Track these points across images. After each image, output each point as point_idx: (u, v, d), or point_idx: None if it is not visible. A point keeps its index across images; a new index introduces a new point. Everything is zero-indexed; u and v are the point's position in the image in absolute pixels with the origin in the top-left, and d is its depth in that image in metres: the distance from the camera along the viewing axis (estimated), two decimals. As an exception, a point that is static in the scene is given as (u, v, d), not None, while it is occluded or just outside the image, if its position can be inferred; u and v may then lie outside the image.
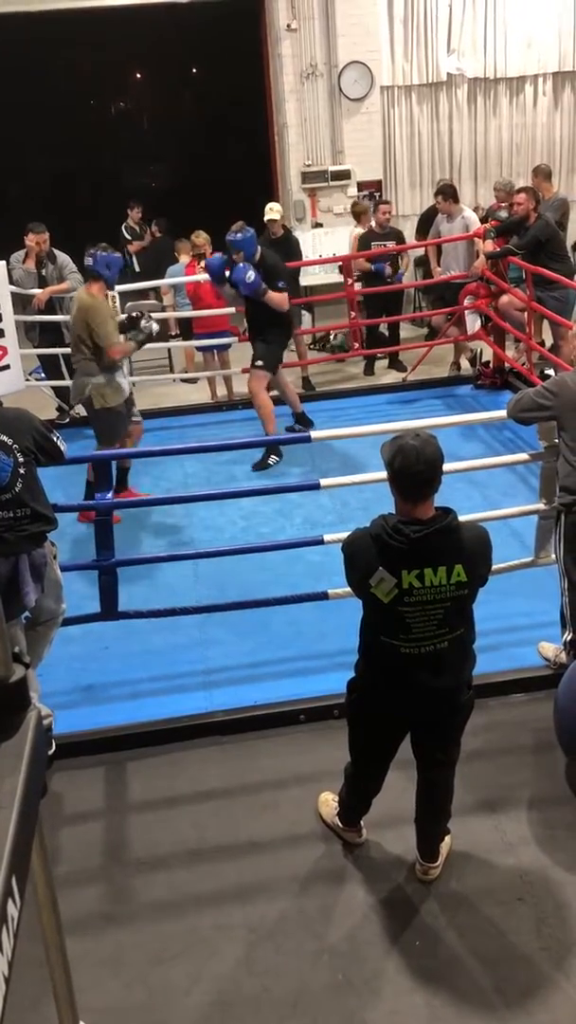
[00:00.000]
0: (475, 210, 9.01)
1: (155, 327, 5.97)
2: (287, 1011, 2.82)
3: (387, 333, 9.55)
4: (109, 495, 4.36)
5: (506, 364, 8.20)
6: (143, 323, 5.91)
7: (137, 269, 10.41)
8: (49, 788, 3.71)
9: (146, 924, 3.19)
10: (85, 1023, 1.70)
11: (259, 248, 6.75)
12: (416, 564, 2.73)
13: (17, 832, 1.26)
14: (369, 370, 9.25)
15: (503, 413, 4.28)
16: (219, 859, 3.44)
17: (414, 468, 2.72)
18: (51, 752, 3.79)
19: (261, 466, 6.75)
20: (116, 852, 3.55)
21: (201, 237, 8.42)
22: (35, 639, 3.94)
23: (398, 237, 9.11)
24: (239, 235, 6.63)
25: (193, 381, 9.20)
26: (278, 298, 6.71)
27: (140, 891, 3.35)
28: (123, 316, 6.16)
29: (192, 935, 3.11)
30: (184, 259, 9.32)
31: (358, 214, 9.44)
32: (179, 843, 3.52)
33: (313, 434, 4.59)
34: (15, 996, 1.16)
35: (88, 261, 5.88)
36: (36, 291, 7.65)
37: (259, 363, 6.92)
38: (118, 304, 6.44)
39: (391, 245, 8.97)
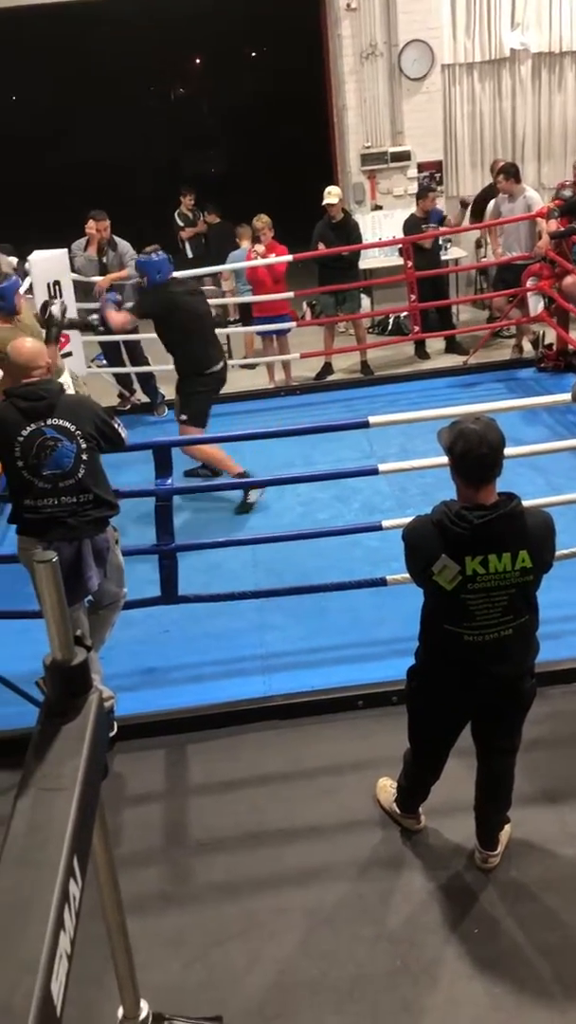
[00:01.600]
0: (539, 189, 8.82)
1: (56, 310, 5.46)
2: (344, 996, 2.83)
3: (437, 316, 9.40)
4: (169, 481, 4.38)
5: (570, 346, 8.03)
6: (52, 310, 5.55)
7: (189, 255, 10.45)
8: (111, 769, 3.76)
9: (205, 905, 3.22)
10: (146, 1000, 1.72)
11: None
12: (480, 550, 2.70)
13: (79, 813, 1.28)
14: (422, 353, 9.14)
15: (567, 396, 4.20)
16: (278, 843, 3.46)
17: (477, 452, 2.68)
18: (113, 734, 3.85)
19: (244, 508, 6.01)
20: (176, 833, 3.59)
21: (261, 220, 8.40)
22: (97, 622, 4.00)
23: (442, 222, 8.98)
24: (143, 258, 6.11)
25: (252, 366, 9.21)
26: (114, 318, 6.04)
27: (199, 872, 3.39)
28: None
29: (250, 917, 3.14)
30: (245, 244, 9.32)
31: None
32: (238, 826, 3.55)
33: (371, 419, 4.55)
34: (78, 972, 1.18)
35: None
36: (97, 279, 7.72)
37: (183, 418, 6.15)
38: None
39: (440, 229, 8.83)
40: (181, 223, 10.76)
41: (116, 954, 1.67)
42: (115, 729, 3.89)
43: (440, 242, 9.11)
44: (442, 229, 8.83)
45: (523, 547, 2.71)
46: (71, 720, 1.45)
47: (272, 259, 8.14)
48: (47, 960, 1.06)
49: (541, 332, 8.46)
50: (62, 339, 7.17)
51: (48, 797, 1.29)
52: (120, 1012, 1.71)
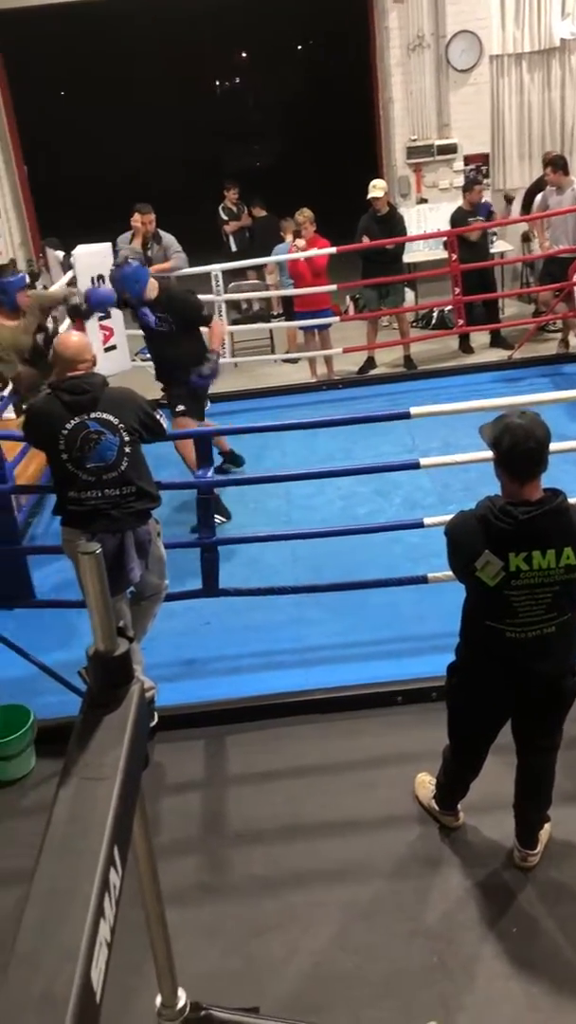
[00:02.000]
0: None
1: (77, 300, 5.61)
2: (380, 990, 2.83)
3: (484, 308, 9.30)
4: (210, 472, 4.40)
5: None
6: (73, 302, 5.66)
7: (233, 249, 10.43)
8: (151, 759, 3.80)
9: (243, 896, 3.24)
10: (184, 988, 1.74)
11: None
12: (524, 546, 2.67)
13: (119, 802, 1.29)
14: (466, 347, 9.06)
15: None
16: (315, 836, 3.47)
17: (524, 447, 2.65)
18: (153, 724, 3.88)
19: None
20: (214, 824, 3.62)
21: (303, 215, 8.38)
22: (139, 613, 4.03)
23: (490, 215, 8.88)
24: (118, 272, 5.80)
25: (294, 361, 9.20)
26: None
27: (237, 864, 3.41)
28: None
29: (288, 910, 3.15)
30: (289, 238, 9.31)
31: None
32: (276, 818, 3.57)
33: (413, 410, 4.51)
34: (118, 960, 1.20)
35: None
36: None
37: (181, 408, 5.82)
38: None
39: (482, 222, 8.74)
40: (225, 217, 10.73)
41: (155, 943, 1.69)
42: (156, 719, 3.92)
43: (488, 236, 9.01)
44: (488, 222, 8.73)
45: (568, 544, 2.67)
46: (113, 710, 1.46)
47: (312, 252, 8.11)
48: (87, 948, 1.08)
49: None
50: (105, 333, 7.27)
51: (90, 786, 1.31)
52: (158, 1000, 1.72)
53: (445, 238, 8.71)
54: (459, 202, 9.07)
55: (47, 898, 1.15)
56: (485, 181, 9.73)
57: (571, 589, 2.75)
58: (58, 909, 1.12)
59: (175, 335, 5.57)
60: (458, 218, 8.76)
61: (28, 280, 5.88)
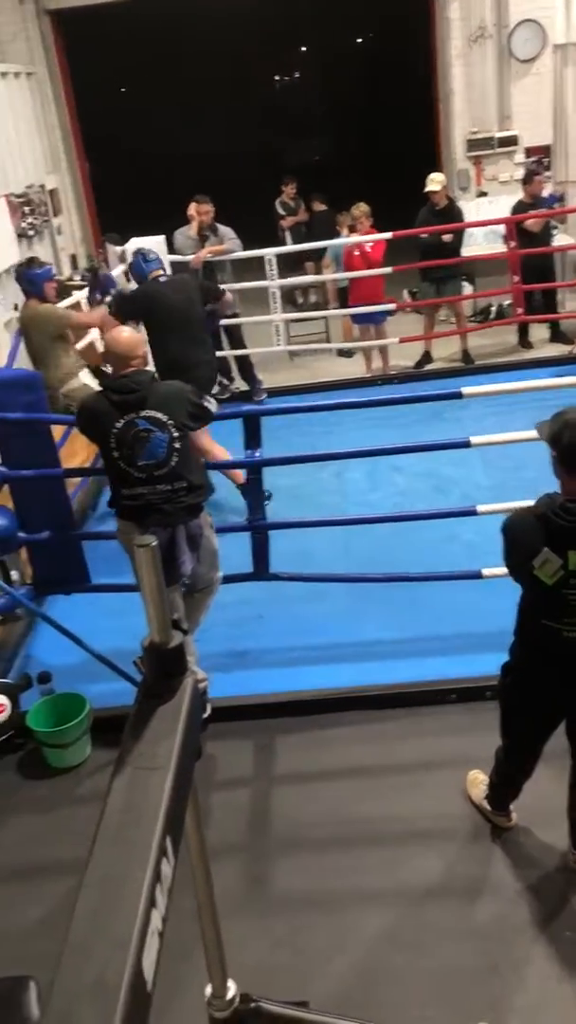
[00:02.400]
0: None
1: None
2: (430, 988, 2.82)
3: (542, 300, 9.14)
4: (259, 452, 4.39)
5: None
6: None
7: (289, 244, 10.41)
8: (203, 751, 3.83)
9: (293, 890, 3.25)
10: (233, 979, 1.75)
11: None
12: None
13: (173, 793, 1.30)
14: (525, 342, 8.92)
15: None
16: (366, 832, 3.46)
17: None
18: (206, 716, 3.91)
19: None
20: (265, 817, 3.63)
21: (359, 209, 8.33)
22: (192, 605, 4.06)
23: (558, 204, 8.73)
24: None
25: (349, 354, 9.17)
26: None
27: (287, 857, 3.42)
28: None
29: (337, 904, 3.15)
30: (345, 232, 9.27)
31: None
32: (327, 813, 3.56)
33: (465, 390, 4.43)
34: (168, 948, 1.20)
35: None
36: (192, 257, 7.79)
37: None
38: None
39: (542, 212, 8.59)
40: (282, 212, 10.74)
41: (205, 934, 1.70)
42: (209, 711, 3.95)
43: (549, 229, 8.85)
44: (542, 212, 8.56)
45: None
46: (167, 701, 1.47)
47: (366, 238, 8.05)
48: (139, 937, 1.08)
49: None
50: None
51: (143, 776, 1.32)
52: (208, 990, 1.73)
53: (503, 232, 8.60)
54: (520, 195, 8.94)
55: (100, 887, 1.16)
56: (546, 173, 9.57)
57: None
58: (111, 898, 1.13)
59: None
60: (519, 211, 8.63)
61: (53, 272, 6.27)
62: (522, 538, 2.75)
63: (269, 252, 8.46)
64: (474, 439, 4.51)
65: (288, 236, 10.61)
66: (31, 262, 6.15)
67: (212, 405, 3.94)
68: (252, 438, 4.38)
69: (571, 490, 2.69)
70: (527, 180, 8.75)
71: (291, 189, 10.73)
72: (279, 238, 10.53)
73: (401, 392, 7.82)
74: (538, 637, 2.84)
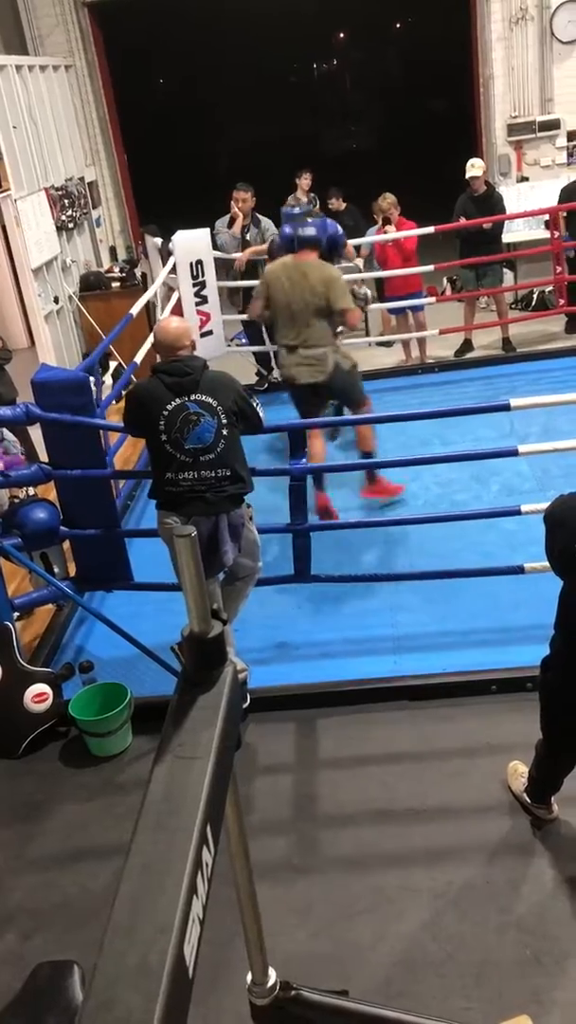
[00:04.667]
0: None
1: (368, 292, 5.89)
2: (471, 980, 2.81)
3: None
4: (303, 461, 4.40)
5: None
6: (358, 290, 5.91)
7: None
8: (243, 740, 3.84)
9: (333, 878, 3.25)
10: (273, 967, 1.76)
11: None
12: None
13: (212, 782, 1.31)
14: (572, 328, 8.79)
15: None
16: (406, 822, 3.45)
17: None
18: (246, 706, 3.92)
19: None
20: (306, 806, 3.64)
21: (387, 200, 8.24)
22: (232, 594, 4.08)
23: None
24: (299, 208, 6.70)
25: (388, 344, 9.11)
26: None
27: (328, 846, 3.42)
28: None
29: (378, 894, 3.15)
30: (379, 224, 9.17)
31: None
32: (367, 802, 3.56)
33: (513, 402, 4.42)
34: (209, 936, 1.22)
35: (311, 232, 5.69)
36: (237, 255, 7.79)
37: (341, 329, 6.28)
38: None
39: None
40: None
41: (246, 921, 1.71)
42: (248, 701, 3.96)
43: None
44: None
45: None
46: (207, 691, 1.48)
47: (400, 234, 7.96)
48: (180, 923, 1.10)
49: None
50: (202, 318, 7.34)
51: (184, 765, 1.33)
52: (248, 977, 1.75)
53: (547, 217, 8.48)
54: (562, 179, 8.81)
55: (142, 873, 1.17)
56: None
57: None
58: (152, 884, 1.15)
59: None
60: (571, 192, 8.48)
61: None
62: (567, 524, 2.72)
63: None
64: (522, 448, 4.52)
65: None
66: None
67: (261, 411, 3.95)
68: (296, 447, 4.37)
69: None
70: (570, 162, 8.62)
71: (305, 182, 9.55)
72: None
73: (442, 379, 7.78)
74: None
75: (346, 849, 3.38)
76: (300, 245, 5.65)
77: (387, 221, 8.17)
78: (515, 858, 3.23)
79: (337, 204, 9.51)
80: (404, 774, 3.68)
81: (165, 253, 7.66)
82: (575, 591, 2.79)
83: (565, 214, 8.35)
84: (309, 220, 5.78)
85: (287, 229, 5.96)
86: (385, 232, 8.16)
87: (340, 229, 6.29)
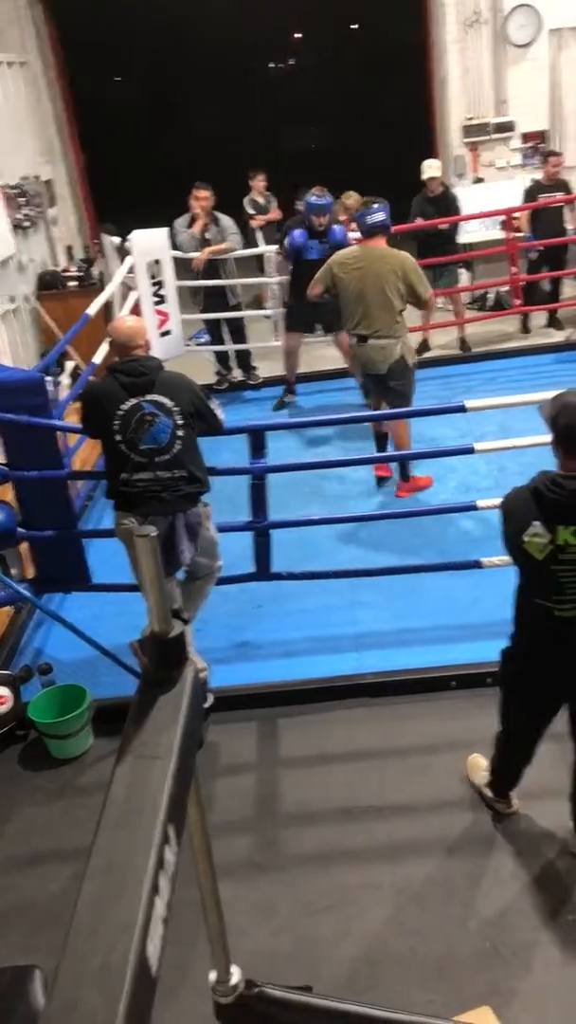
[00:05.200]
0: None
1: None
2: (432, 973, 2.84)
3: (549, 289, 9.12)
4: (264, 460, 4.41)
5: None
6: None
7: (262, 246, 9.05)
8: (205, 740, 3.84)
9: (296, 876, 3.27)
10: (237, 965, 1.76)
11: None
12: (573, 520, 2.65)
13: (174, 782, 1.30)
14: (525, 329, 8.91)
15: None
16: (367, 818, 3.48)
17: None
18: (208, 705, 3.92)
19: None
20: (268, 804, 3.65)
21: (352, 198, 8.27)
22: (193, 592, 4.07)
23: (566, 189, 8.67)
24: (325, 199, 6.98)
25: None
26: None
27: (290, 844, 3.43)
28: None
29: (340, 891, 3.17)
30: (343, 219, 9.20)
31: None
32: (329, 800, 3.58)
33: (468, 404, 4.47)
34: (173, 936, 1.21)
35: (381, 216, 5.71)
36: (196, 254, 7.76)
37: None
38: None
39: (559, 197, 8.55)
40: (251, 210, 9.60)
41: (209, 920, 1.71)
42: (210, 701, 3.96)
43: (562, 212, 8.78)
44: (559, 197, 8.52)
45: None
46: (168, 691, 1.48)
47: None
48: (143, 923, 1.09)
49: None
50: (161, 318, 7.31)
51: (146, 765, 1.33)
52: (212, 976, 1.75)
53: (503, 218, 8.57)
54: (517, 181, 8.91)
55: (104, 873, 1.17)
56: (541, 159, 9.53)
57: None
58: (115, 885, 1.14)
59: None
60: (533, 190, 8.58)
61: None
62: (516, 512, 2.79)
63: (270, 250, 8.42)
64: (478, 446, 4.58)
65: (260, 237, 9.40)
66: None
67: (220, 412, 3.96)
68: (257, 448, 4.39)
69: (568, 469, 2.71)
70: (544, 162, 8.72)
71: (260, 182, 9.57)
72: (250, 239, 9.29)
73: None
74: (532, 617, 2.88)
75: (308, 847, 3.39)
76: (370, 231, 5.72)
77: (352, 220, 8.17)
78: (475, 852, 3.27)
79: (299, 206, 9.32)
80: (366, 771, 3.71)
81: (122, 252, 7.61)
82: (526, 577, 2.83)
83: (530, 214, 8.47)
84: (376, 205, 5.73)
85: (300, 232, 6.70)
86: (349, 227, 8.17)
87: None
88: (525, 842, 3.28)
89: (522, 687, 3.07)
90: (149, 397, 3.70)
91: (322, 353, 8.14)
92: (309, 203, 7.05)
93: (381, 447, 6.02)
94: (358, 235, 7.81)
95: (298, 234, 7.03)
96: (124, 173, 16.03)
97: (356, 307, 5.63)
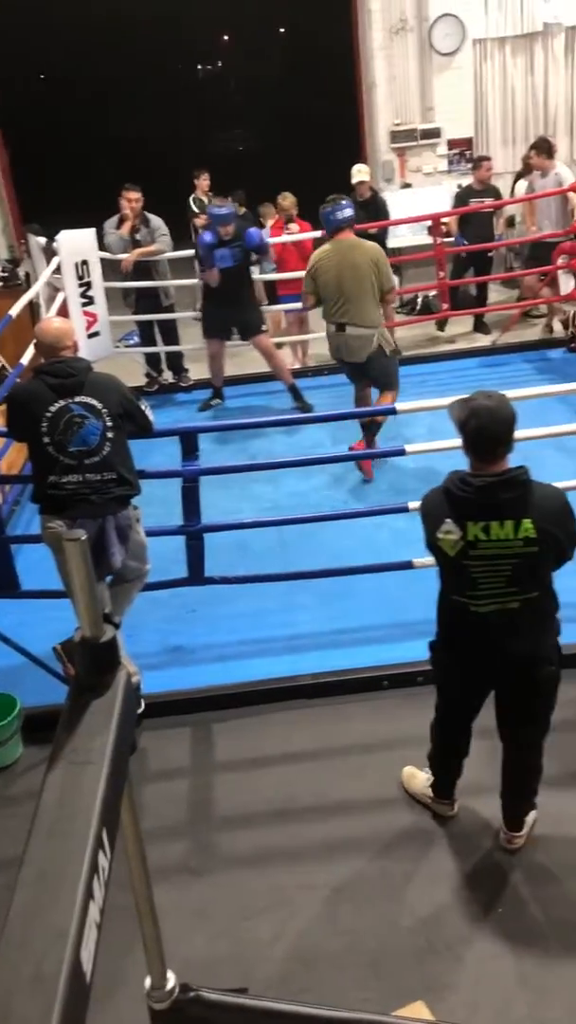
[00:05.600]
0: (571, 166, 8.70)
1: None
2: (368, 971, 2.86)
3: (475, 293, 9.29)
4: (197, 463, 4.39)
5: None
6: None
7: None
8: (138, 746, 3.81)
9: (231, 879, 3.26)
10: (173, 972, 1.75)
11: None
12: (482, 515, 2.73)
13: (107, 787, 1.29)
14: (441, 326, 9.08)
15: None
16: (303, 820, 3.49)
17: (490, 429, 2.72)
18: (140, 711, 3.89)
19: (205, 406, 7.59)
20: (202, 809, 3.63)
21: (288, 199, 8.32)
22: (120, 594, 4.03)
23: (495, 194, 8.86)
24: (226, 209, 7.03)
25: (279, 347, 9.17)
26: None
27: (225, 847, 3.42)
28: None
29: (276, 892, 3.17)
30: (270, 223, 9.23)
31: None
32: (264, 802, 3.58)
33: (398, 406, 4.54)
34: (108, 943, 1.20)
35: (350, 211, 5.95)
36: (124, 256, 7.70)
37: (266, 327, 7.29)
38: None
39: (489, 202, 8.73)
40: (196, 209, 9.71)
41: (143, 926, 1.70)
42: (143, 706, 3.93)
43: (493, 217, 8.97)
44: (487, 203, 8.69)
45: (526, 516, 2.70)
46: (100, 696, 1.46)
47: (294, 237, 8.04)
48: (77, 929, 1.08)
49: (572, 312, 8.37)
50: (89, 319, 7.24)
51: (78, 771, 1.31)
52: (147, 982, 1.73)
53: (430, 222, 8.70)
54: (445, 186, 9.06)
55: (36, 881, 1.15)
56: (468, 165, 9.72)
57: (533, 564, 2.76)
58: (48, 892, 1.13)
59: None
60: (463, 195, 8.74)
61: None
62: (431, 511, 2.87)
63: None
64: (408, 448, 4.71)
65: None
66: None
67: (150, 413, 3.93)
68: (189, 451, 4.37)
69: (475, 468, 2.80)
70: (476, 166, 8.88)
71: (204, 182, 9.73)
72: (192, 238, 9.29)
73: (332, 382, 7.88)
74: (451, 615, 2.97)
75: (243, 850, 3.39)
76: (339, 226, 5.90)
77: (290, 220, 8.21)
78: (411, 850, 3.31)
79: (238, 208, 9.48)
80: (301, 773, 3.72)
81: (49, 252, 7.51)
82: (444, 575, 2.92)
83: (459, 218, 8.62)
84: (344, 201, 5.96)
85: (212, 232, 6.61)
86: (290, 230, 8.20)
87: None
88: (461, 839, 3.33)
89: (447, 677, 3.16)
90: (78, 399, 3.65)
91: (252, 356, 8.14)
92: (211, 214, 7.09)
93: (370, 437, 6.12)
94: (281, 238, 7.91)
95: (208, 235, 7.04)
96: (52, 173, 15.84)
97: (335, 296, 5.86)
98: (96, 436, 3.65)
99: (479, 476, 2.74)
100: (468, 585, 2.80)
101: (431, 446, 4.76)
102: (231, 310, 7.17)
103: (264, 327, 7.37)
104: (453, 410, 2.84)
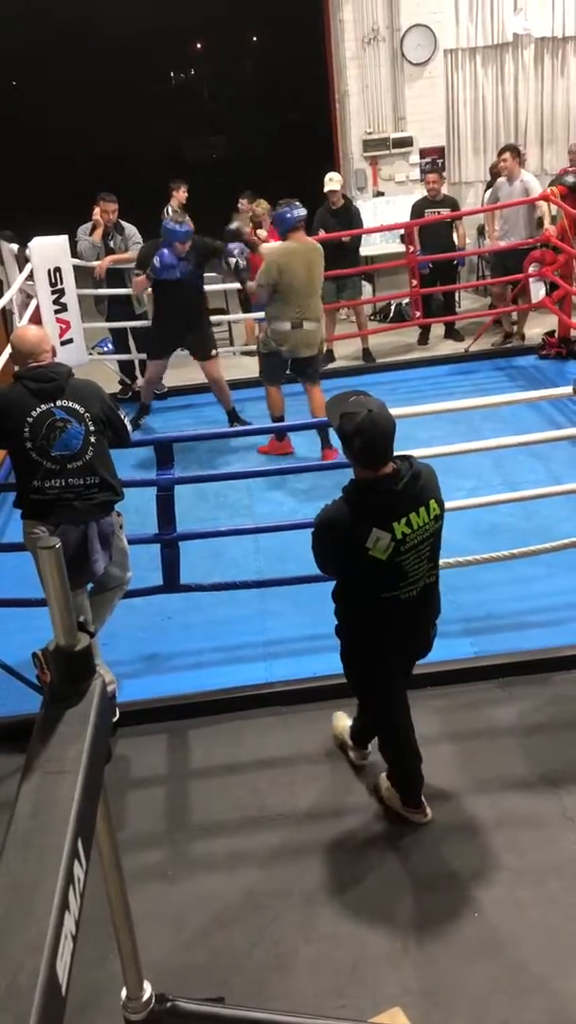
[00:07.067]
0: (540, 175, 8.80)
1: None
2: (344, 977, 2.86)
3: (443, 299, 9.37)
4: (172, 472, 4.39)
5: (573, 333, 8.03)
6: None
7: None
8: (113, 754, 3.78)
9: (207, 888, 3.25)
10: (148, 981, 1.74)
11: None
12: (403, 512, 2.87)
13: (82, 796, 1.29)
14: (423, 340, 9.13)
15: (568, 389, 4.20)
16: (278, 827, 3.48)
17: (379, 442, 2.86)
18: (115, 719, 3.87)
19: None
20: (177, 817, 3.62)
21: (261, 206, 8.34)
22: (101, 603, 4.01)
23: (453, 205, 8.93)
24: (186, 227, 6.57)
25: (252, 354, 9.18)
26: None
27: (201, 855, 3.41)
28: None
29: (251, 900, 3.17)
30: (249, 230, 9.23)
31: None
32: (239, 809, 3.58)
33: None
34: (84, 952, 1.20)
35: (303, 211, 6.24)
36: (97, 263, 7.68)
37: (215, 352, 7.14)
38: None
39: (445, 213, 8.80)
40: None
41: (119, 936, 1.69)
42: (118, 714, 3.91)
43: (453, 226, 9.04)
44: (445, 213, 8.78)
45: (432, 496, 2.94)
46: (75, 704, 1.46)
47: (265, 246, 8.05)
48: (52, 940, 1.08)
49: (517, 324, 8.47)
50: (62, 327, 7.21)
51: (52, 780, 1.31)
52: (124, 993, 1.73)
53: (403, 231, 8.76)
54: (416, 195, 9.12)
55: (11, 891, 1.15)
56: (442, 174, 9.80)
57: (439, 535, 3.02)
58: (22, 902, 1.12)
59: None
60: (420, 205, 8.81)
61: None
62: (345, 529, 2.93)
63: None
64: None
65: None
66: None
67: (128, 422, 3.96)
68: (164, 461, 4.36)
69: (365, 475, 2.92)
70: (421, 179, 8.96)
71: (182, 194, 9.53)
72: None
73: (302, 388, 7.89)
74: (380, 613, 3.04)
75: (219, 858, 3.38)
76: (295, 226, 6.17)
77: (258, 226, 8.23)
78: (385, 855, 3.31)
79: None
80: (275, 779, 3.72)
81: (22, 259, 7.47)
82: (368, 578, 2.98)
83: (417, 229, 8.68)
84: (296, 202, 6.21)
85: (170, 247, 6.50)
86: (259, 237, 8.19)
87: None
88: (432, 843, 3.34)
89: (386, 678, 3.24)
90: (60, 403, 3.65)
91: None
92: (172, 231, 6.56)
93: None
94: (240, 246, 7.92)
95: (167, 254, 6.56)
96: (25, 180, 15.77)
97: (295, 296, 6.11)
98: (79, 440, 3.65)
99: (388, 478, 2.88)
100: (399, 579, 2.94)
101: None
102: (183, 329, 6.87)
103: (214, 352, 7.05)
104: (332, 415, 2.97)
